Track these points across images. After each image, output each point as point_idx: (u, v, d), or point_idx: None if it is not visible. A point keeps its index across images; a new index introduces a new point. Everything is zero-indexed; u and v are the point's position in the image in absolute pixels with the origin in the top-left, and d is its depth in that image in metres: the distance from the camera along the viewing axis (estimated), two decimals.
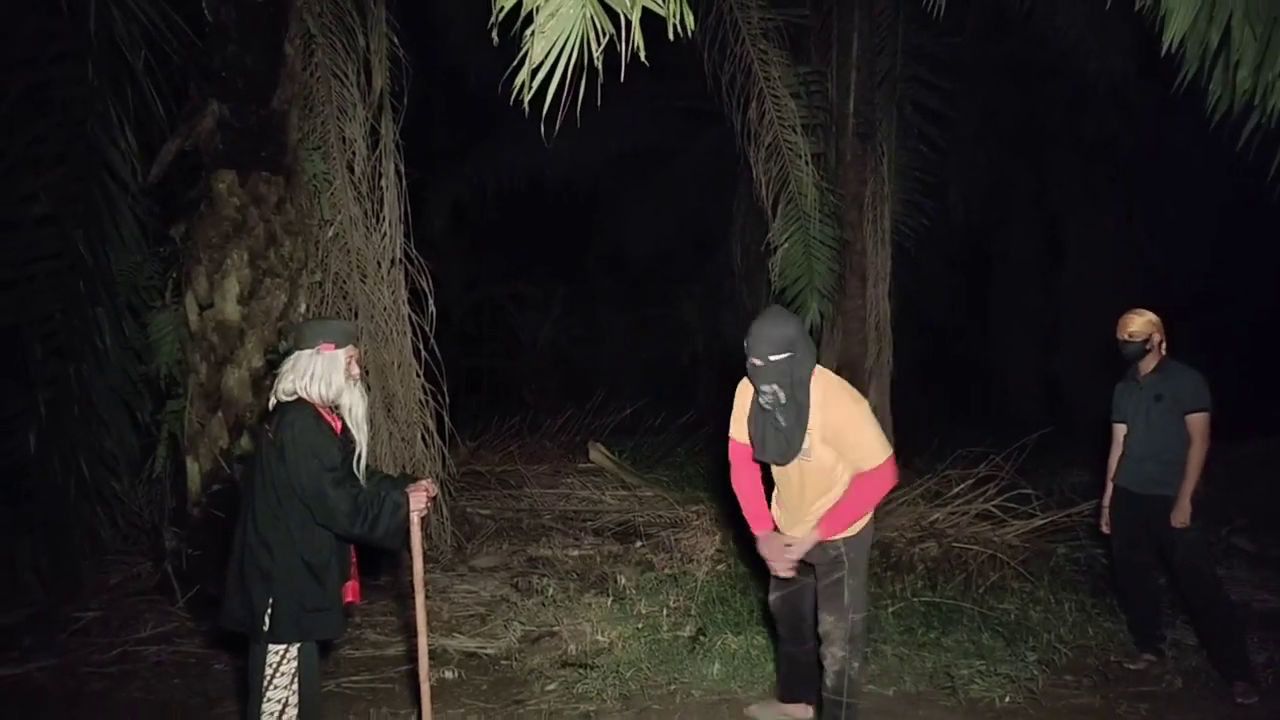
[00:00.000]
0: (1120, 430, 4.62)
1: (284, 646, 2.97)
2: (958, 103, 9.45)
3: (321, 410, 3.05)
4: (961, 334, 14.40)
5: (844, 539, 3.46)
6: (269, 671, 2.97)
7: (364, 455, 3.11)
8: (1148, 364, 4.43)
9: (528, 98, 2.99)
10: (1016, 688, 4.18)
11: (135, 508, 6.04)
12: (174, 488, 5.70)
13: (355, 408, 3.10)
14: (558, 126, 3.10)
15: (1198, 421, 4.26)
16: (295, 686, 3.00)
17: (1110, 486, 4.65)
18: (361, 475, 3.08)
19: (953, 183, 11.05)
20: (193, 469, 5.48)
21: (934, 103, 9.03)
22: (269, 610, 2.93)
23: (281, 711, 2.97)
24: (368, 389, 6.23)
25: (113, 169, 5.58)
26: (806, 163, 7.60)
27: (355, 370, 3.14)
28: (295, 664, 2.98)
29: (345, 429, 3.11)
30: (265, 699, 2.96)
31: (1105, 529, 4.71)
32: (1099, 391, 5.20)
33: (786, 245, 7.85)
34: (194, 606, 5.23)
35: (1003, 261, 14.28)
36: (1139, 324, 4.38)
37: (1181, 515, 4.24)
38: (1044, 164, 12.87)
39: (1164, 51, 3.88)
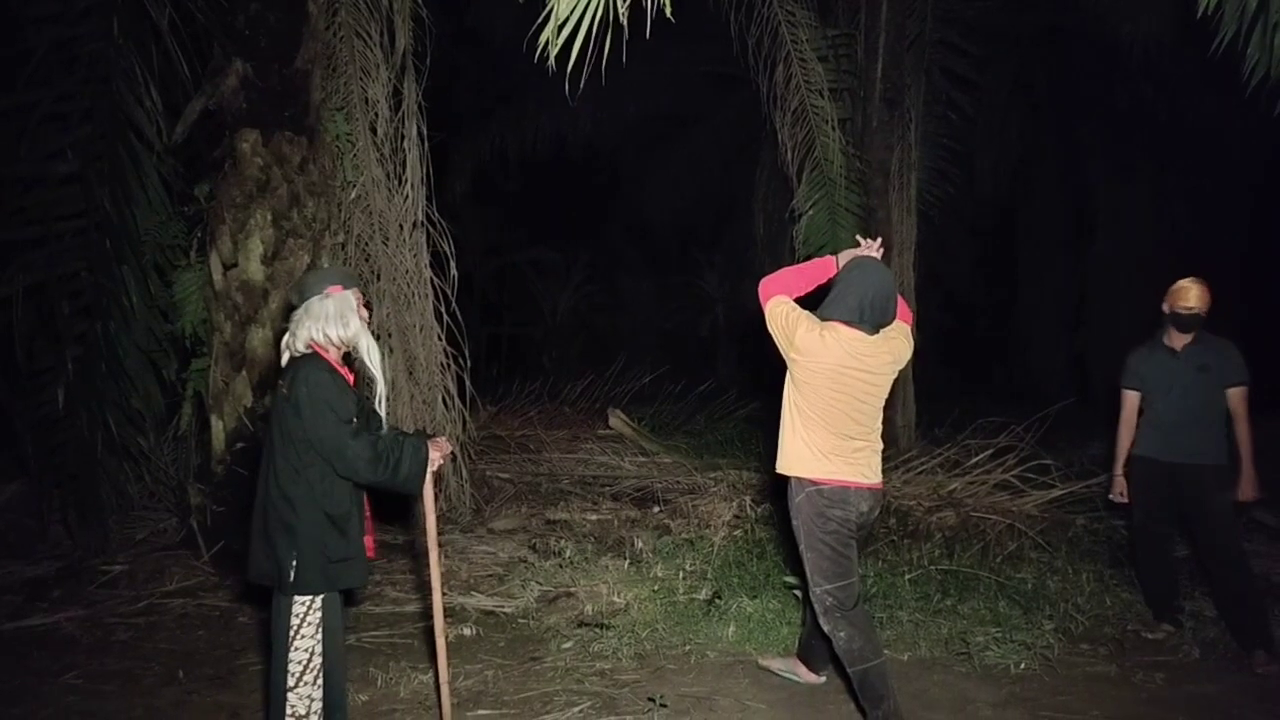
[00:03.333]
0: (1135, 398, 4.56)
1: (309, 598, 2.99)
2: (988, 69, 9.29)
3: (334, 363, 3.04)
4: (985, 306, 14.26)
5: (791, 503, 3.45)
6: (294, 623, 2.99)
7: (384, 397, 3.10)
8: (1187, 335, 4.37)
9: (553, 54, 2.95)
10: (1032, 655, 4.18)
11: (161, 464, 6.14)
12: (199, 445, 5.79)
13: (372, 349, 3.08)
14: (581, 86, 3.08)
15: (1242, 394, 4.29)
16: (320, 638, 3.02)
17: (1124, 455, 4.60)
18: (384, 415, 3.09)
19: (980, 151, 10.90)
20: (217, 427, 5.55)
21: (964, 69, 8.89)
22: (294, 562, 2.95)
23: (308, 662, 3.00)
24: (389, 351, 6.31)
25: (138, 127, 5.59)
26: (833, 128, 7.52)
27: (364, 312, 3.12)
28: (320, 615, 3.01)
29: (358, 381, 3.11)
30: (291, 649, 2.98)
31: (1119, 498, 4.68)
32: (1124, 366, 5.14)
33: (811, 212, 7.78)
34: (218, 561, 5.32)
35: (1029, 233, 14.11)
36: (1200, 295, 4.31)
37: (1249, 486, 4.27)
38: (1075, 134, 12.65)
39: (1200, 14, 3.79)
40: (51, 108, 5.52)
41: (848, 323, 3.37)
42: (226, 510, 5.44)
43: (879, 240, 3.66)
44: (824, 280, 3.60)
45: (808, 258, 7.76)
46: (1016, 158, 12.23)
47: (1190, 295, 4.31)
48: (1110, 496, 4.76)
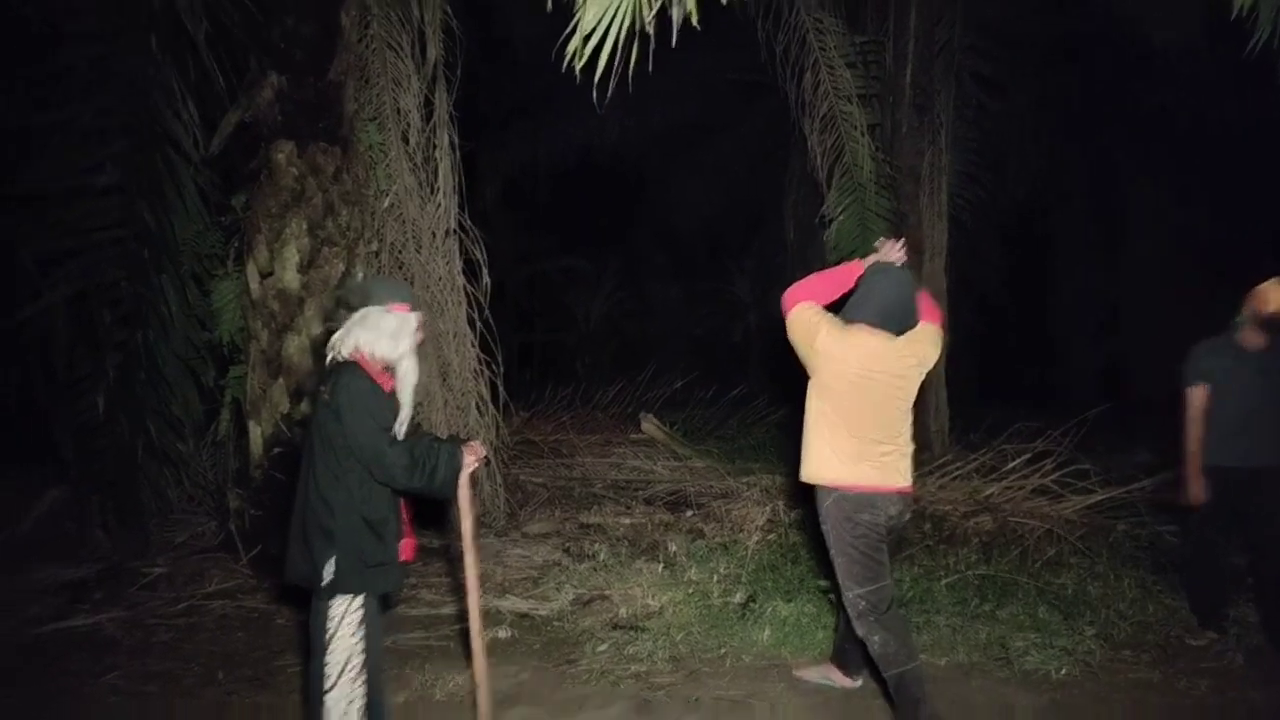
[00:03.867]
0: (1203, 395, 4.41)
1: (348, 599, 3.00)
2: (1017, 73, 9.21)
3: (375, 373, 3.04)
4: (1017, 311, 14.10)
5: (819, 508, 3.43)
6: (331, 625, 3.00)
7: (405, 423, 3.09)
8: (1267, 337, 4.29)
9: (579, 65, 2.97)
10: (1073, 661, 4.11)
11: (200, 469, 6.24)
12: (237, 450, 5.87)
13: (410, 375, 3.07)
14: (609, 95, 3.09)
15: None
16: (357, 640, 3.03)
17: (1196, 454, 4.41)
18: (399, 436, 3.09)
19: (1011, 156, 10.79)
20: (255, 432, 5.63)
21: (993, 73, 8.82)
22: (332, 565, 2.96)
23: (345, 663, 3.01)
24: (423, 358, 6.35)
25: (175, 140, 5.69)
26: (862, 134, 7.49)
27: (419, 338, 3.11)
28: (358, 616, 3.03)
29: (394, 391, 3.12)
30: (328, 652, 2.99)
31: (1196, 498, 4.43)
32: (1161, 371, 5.06)
33: (841, 218, 7.75)
34: (256, 564, 5.39)
35: (1060, 238, 13.95)
36: None
37: None
38: (1104, 137, 12.50)
39: (1234, 15, 3.73)
40: (91, 122, 5.65)
41: (871, 326, 3.38)
42: (264, 514, 5.51)
43: (901, 240, 3.64)
44: (852, 285, 3.59)
45: (838, 263, 7.72)
46: (1046, 161, 12.10)
47: (1273, 299, 4.23)
48: (1186, 499, 4.49)
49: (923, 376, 3.49)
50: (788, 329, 3.49)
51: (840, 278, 3.61)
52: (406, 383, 3.07)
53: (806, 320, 3.43)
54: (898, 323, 3.40)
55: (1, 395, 6.92)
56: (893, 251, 3.57)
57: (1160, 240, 12.45)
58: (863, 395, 3.35)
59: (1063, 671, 4.04)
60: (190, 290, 5.85)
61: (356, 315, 3.04)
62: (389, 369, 3.09)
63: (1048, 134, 11.47)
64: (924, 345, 3.48)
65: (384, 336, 3.00)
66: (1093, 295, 13.64)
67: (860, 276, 3.55)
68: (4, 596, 5.13)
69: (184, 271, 5.80)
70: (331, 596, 2.99)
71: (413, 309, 3.09)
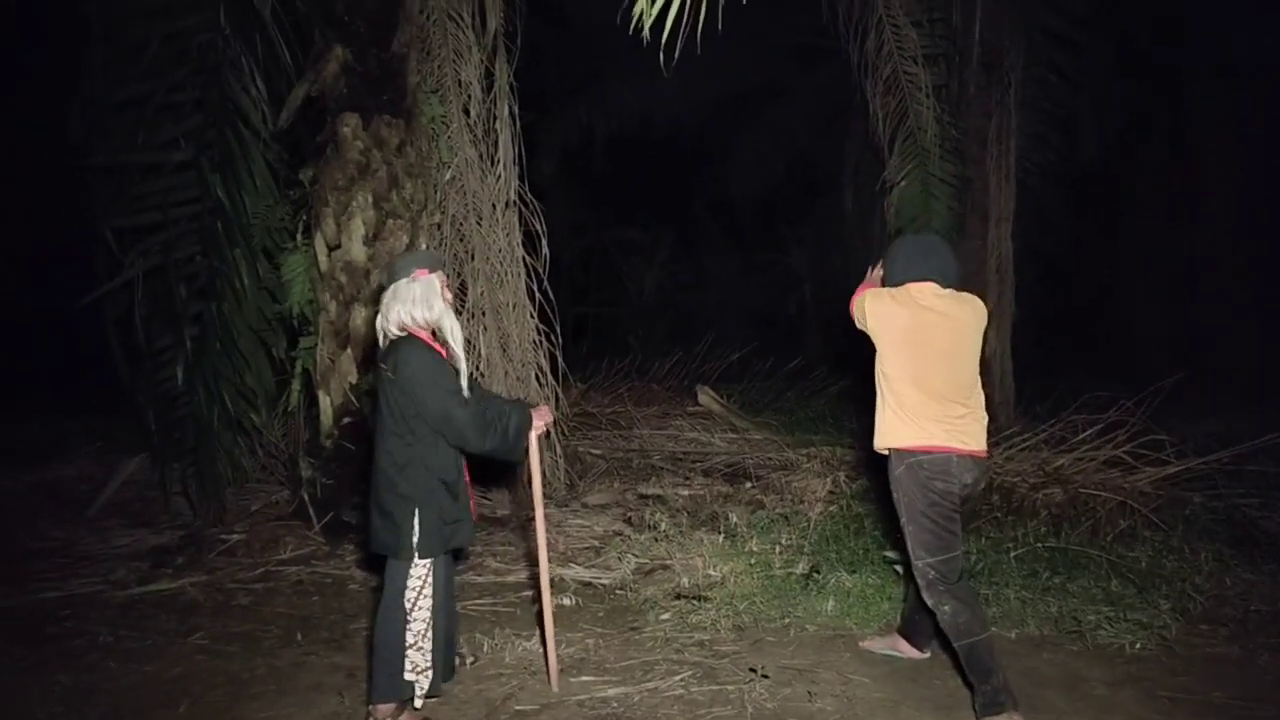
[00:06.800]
0: None
1: (428, 564, 3.13)
2: (1091, 28, 8.84)
3: (428, 340, 3.18)
4: (1087, 277, 13.69)
5: (891, 476, 3.43)
6: (417, 585, 3.13)
7: (465, 375, 3.21)
8: None
9: (647, 25, 2.96)
10: (1149, 635, 4.03)
11: (273, 439, 6.41)
12: (308, 420, 6.01)
13: (455, 330, 3.22)
14: (675, 59, 3.08)
15: None
16: (440, 599, 3.18)
17: None
18: (466, 394, 3.19)
19: (1084, 116, 10.42)
20: (325, 403, 5.76)
21: (1066, 29, 8.49)
22: (416, 529, 3.10)
23: (430, 624, 3.15)
24: (484, 329, 6.43)
25: (245, 115, 5.80)
26: (927, 95, 7.33)
27: (449, 295, 3.26)
28: (440, 576, 3.17)
29: (450, 354, 3.22)
30: (415, 610, 3.13)
31: None
32: (1238, 340, 4.87)
33: (904, 184, 7.62)
34: (329, 531, 5.53)
35: (1134, 202, 13.47)
36: None
37: None
38: (1183, 98, 12.01)
39: None
40: (164, 99, 5.79)
41: (912, 279, 3.41)
42: (335, 483, 5.65)
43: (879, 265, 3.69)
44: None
45: (899, 230, 7.61)
46: (1120, 122, 11.67)
47: None
48: None
49: (980, 335, 3.43)
50: (855, 322, 3.55)
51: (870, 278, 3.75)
52: (455, 340, 3.21)
53: (858, 300, 3.53)
54: (937, 268, 3.42)
55: (86, 366, 7.20)
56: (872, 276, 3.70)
57: (1237, 205, 11.97)
58: (922, 344, 3.33)
59: (1137, 646, 3.96)
60: (261, 264, 5.97)
61: (387, 294, 3.20)
62: (437, 335, 3.20)
63: (1124, 91, 11.04)
64: (974, 304, 3.47)
65: (417, 303, 3.15)
66: (1166, 262, 13.18)
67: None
68: (93, 560, 5.36)
69: (255, 245, 5.91)
70: (418, 560, 3.10)
71: (432, 270, 3.21)
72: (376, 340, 3.27)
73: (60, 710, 3.47)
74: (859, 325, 3.53)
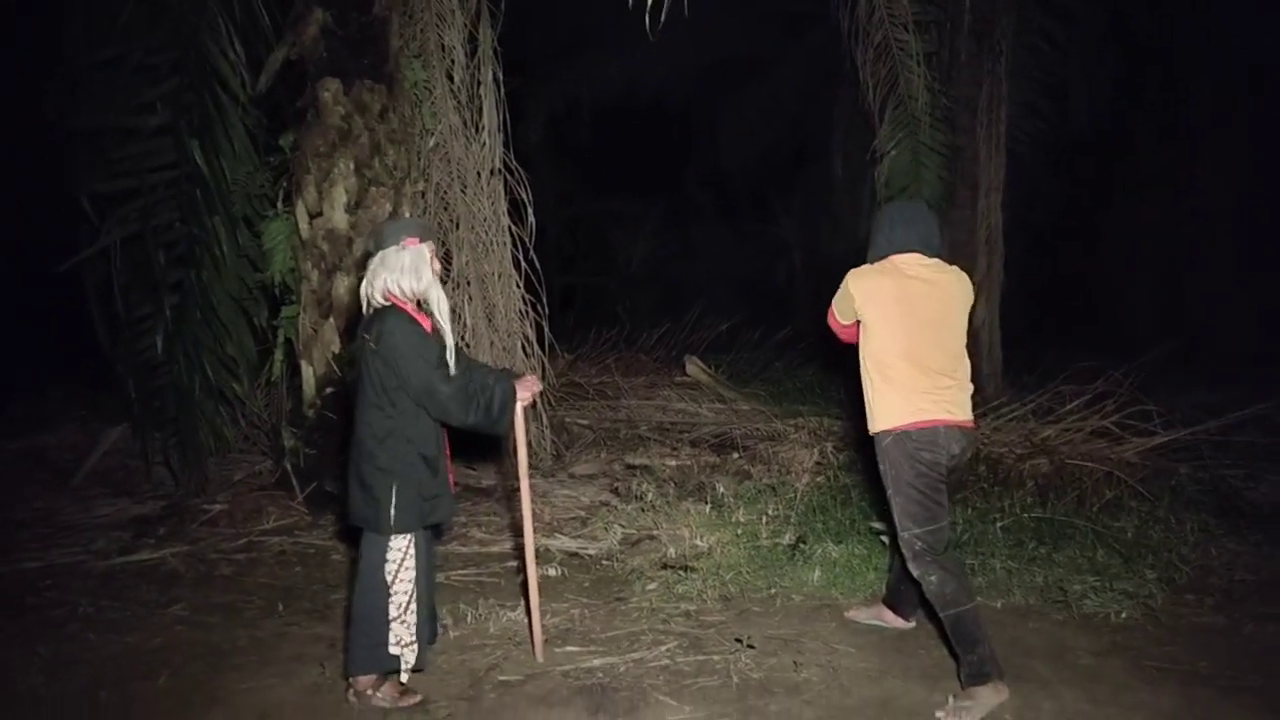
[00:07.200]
0: None
1: (408, 538, 3.09)
2: None
3: (413, 312, 3.11)
4: (1076, 247, 13.68)
5: (878, 447, 3.41)
6: (396, 558, 3.09)
7: (452, 349, 3.16)
8: None
9: None
10: (1134, 604, 4.04)
11: (255, 409, 6.34)
12: (290, 390, 5.94)
13: (442, 302, 3.16)
14: (661, 26, 3.00)
15: None
16: (419, 572, 3.13)
17: None
18: (453, 367, 3.14)
19: (1074, 86, 10.34)
20: (307, 372, 5.69)
21: None
22: (393, 503, 3.05)
23: (410, 598, 3.11)
24: (469, 299, 6.36)
25: (223, 79, 5.67)
26: (918, 63, 7.23)
27: (437, 265, 3.20)
28: (419, 549, 3.12)
29: (435, 327, 3.16)
30: (396, 582, 3.09)
31: None
32: (1228, 311, 4.85)
33: (893, 153, 7.54)
34: (311, 502, 5.49)
35: (1124, 173, 13.43)
36: None
37: None
38: (1176, 67, 11.93)
39: None
40: (141, 60, 5.65)
41: (897, 251, 3.38)
42: (318, 453, 5.59)
43: None
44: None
45: (889, 199, 7.55)
46: (1112, 92, 11.59)
47: None
48: None
49: (967, 306, 3.40)
50: (840, 320, 3.53)
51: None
52: (441, 312, 3.15)
53: (838, 296, 3.49)
54: (920, 236, 3.38)
55: (66, 335, 7.09)
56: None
57: (1229, 177, 11.94)
58: (910, 316, 3.30)
59: (1123, 615, 3.97)
60: (241, 231, 5.87)
61: (375, 259, 3.13)
62: (422, 306, 3.14)
63: (1116, 61, 10.95)
64: (959, 275, 3.44)
65: (405, 272, 3.08)
66: (1156, 232, 13.17)
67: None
68: (75, 530, 5.31)
69: (235, 212, 5.81)
70: (395, 534, 3.06)
71: (423, 240, 3.15)
72: (360, 309, 3.20)
73: (40, 681, 3.43)
74: (844, 321, 3.51)
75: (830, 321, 3.59)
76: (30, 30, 6.24)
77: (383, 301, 3.10)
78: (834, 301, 3.52)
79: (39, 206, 7.10)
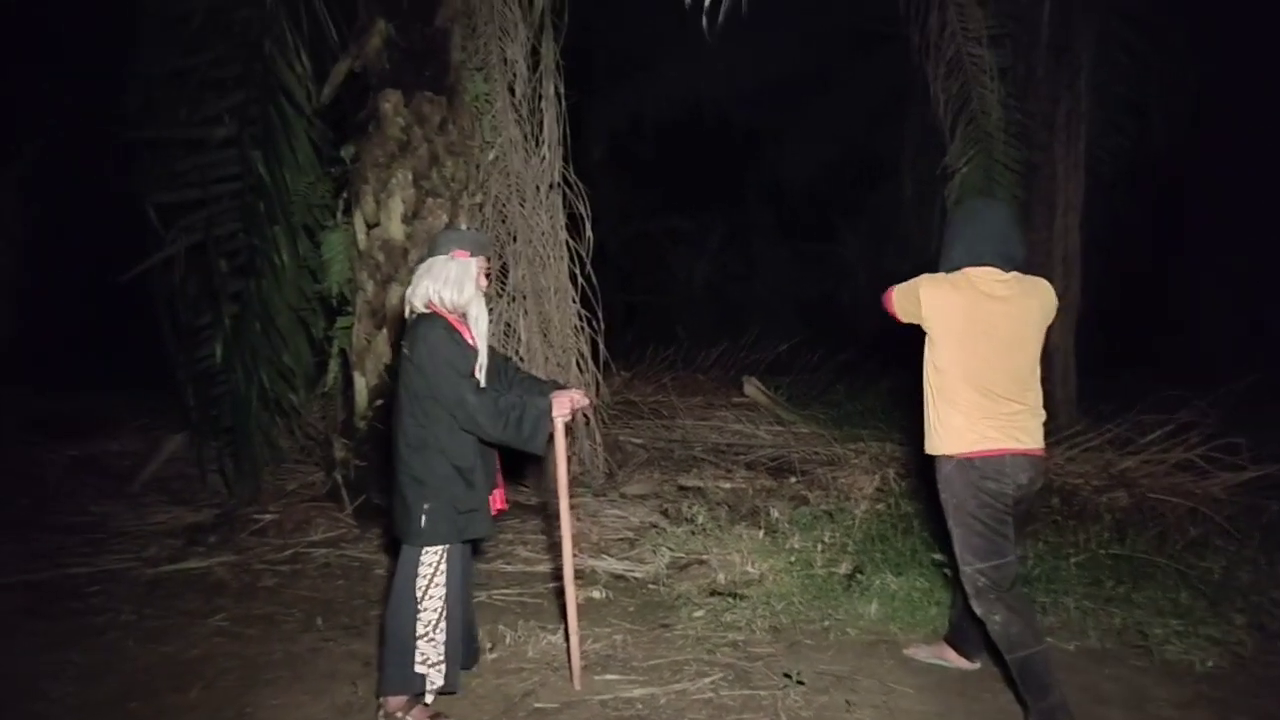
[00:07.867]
0: None
1: (440, 550, 3.00)
2: (1167, 7, 8.36)
3: (453, 320, 3.05)
4: (1158, 272, 13.12)
5: (939, 474, 3.18)
6: (427, 573, 3.01)
7: (483, 364, 3.10)
8: None
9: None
10: (1221, 651, 3.73)
11: (310, 419, 6.36)
12: (344, 401, 5.93)
13: (481, 319, 3.12)
14: (726, 43, 2.89)
15: None
16: (452, 589, 3.04)
17: None
18: (482, 381, 3.08)
19: (1156, 103, 9.91)
20: (360, 383, 5.67)
21: (1141, 8, 8.04)
22: (424, 514, 2.98)
23: (442, 614, 3.01)
24: (524, 313, 6.30)
25: (288, 91, 5.72)
26: (992, 78, 6.99)
27: (484, 281, 3.15)
28: (453, 564, 3.04)
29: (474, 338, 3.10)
30: (425, 598, 3.00)
31: None
32: None
33: (965, 170, 7.27)
34: (360, 514, 5.46)
35: (1208, 193, 12.84)
36: None
37: None
38: (1267, 85, 11.36)
39: None
40: (208, 73, 5.74)
41: (973, 263, 3.13)
42: (368, 465, 5.57)
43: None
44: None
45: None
46: (1197, 109, 11.09)
47: None
48: None
49: (1045, 325, 3.17)
50: (897, 313, 3.31)
51: None
52: (479, 327, 3.11)
53: (905, 287, 3.26)
54: (1000, 251, 3.12)
55: (131, 343, 7.24)
56: None
57: None
58: (980, 337, 3.07)
59: (1209, 663, 3.66)
60: (301, 241, 5.91)
61: (423, 266, 3.10)
62: (463, 317, 3.08)
63: (1201, 75, 10.47)
64: (1041, 290, 3.20)
65: (449, 284, 3.04)
66: (1240, 256, 12.55)
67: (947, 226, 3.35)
68: (128, 536, 5.36)
69: (295, 222, 5.85)
70: (426, 546, 2.98)
71: (474, 254, 3.10)
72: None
73: (71, 690, 3.41)
74: (902, 318, 3.29)
75: (886, 302, 3.36)
76: (106, 43, 6.41)
77: (422, 309, 3.06)
78: (899, 291, 3.28)
79: (107, 216, 7.28)
